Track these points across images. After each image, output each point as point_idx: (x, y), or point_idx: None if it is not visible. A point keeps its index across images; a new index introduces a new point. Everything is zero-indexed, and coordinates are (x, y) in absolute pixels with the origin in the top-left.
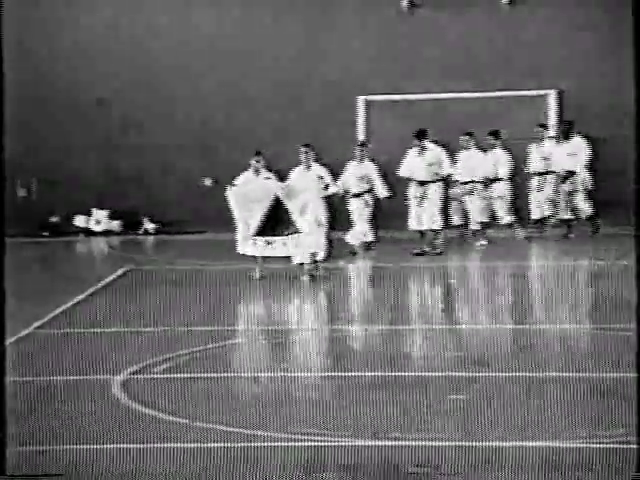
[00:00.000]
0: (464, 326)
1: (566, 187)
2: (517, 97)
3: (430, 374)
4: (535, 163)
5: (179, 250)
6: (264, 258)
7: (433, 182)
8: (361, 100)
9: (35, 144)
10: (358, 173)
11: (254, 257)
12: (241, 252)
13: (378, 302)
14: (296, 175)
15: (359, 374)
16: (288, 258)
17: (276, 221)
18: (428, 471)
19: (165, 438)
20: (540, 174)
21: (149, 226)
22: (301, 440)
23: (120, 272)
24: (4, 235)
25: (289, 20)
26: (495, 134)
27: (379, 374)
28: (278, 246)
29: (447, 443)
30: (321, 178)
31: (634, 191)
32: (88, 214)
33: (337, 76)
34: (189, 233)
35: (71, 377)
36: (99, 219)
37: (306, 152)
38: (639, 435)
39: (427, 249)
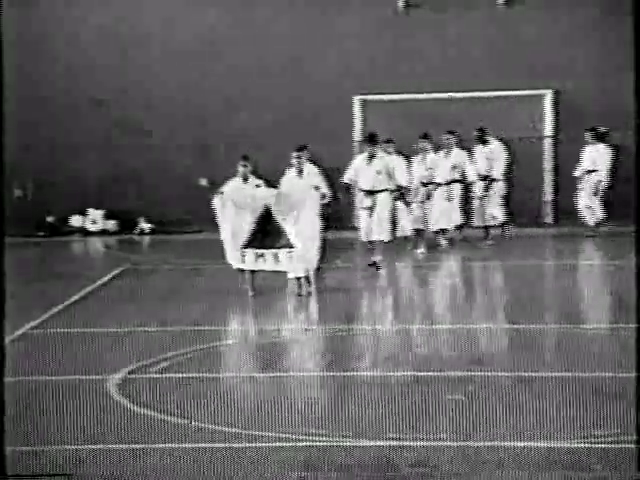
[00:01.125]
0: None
1: (480, 193)
2: (514, 97)
3: (427, 374)
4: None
5: (175, 250)
6: (253, 272)
7: (382, 191)
8: (358, 100)
9: (31, 144)
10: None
11: (241, 271)
12: (236, 267)
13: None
14: (288, 182)
15: (357, 374)
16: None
17: (267, 232)
18: (426, 471)
19: (162, 438)
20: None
21: (145, 226)
22: (298, 440)
23: (116, 272)
24: (4, 235)
25: (287, 20)
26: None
27: (377, 374)
28: (269, 259)
29: (445, 443)
30: (317, 189)
31: (634, 191)
32: (84, 214)
33: (334, 76)
34: (185, 233)
35: (67, 377)
36: (95, 219)
37: (298, 157)
38: (639, 435)
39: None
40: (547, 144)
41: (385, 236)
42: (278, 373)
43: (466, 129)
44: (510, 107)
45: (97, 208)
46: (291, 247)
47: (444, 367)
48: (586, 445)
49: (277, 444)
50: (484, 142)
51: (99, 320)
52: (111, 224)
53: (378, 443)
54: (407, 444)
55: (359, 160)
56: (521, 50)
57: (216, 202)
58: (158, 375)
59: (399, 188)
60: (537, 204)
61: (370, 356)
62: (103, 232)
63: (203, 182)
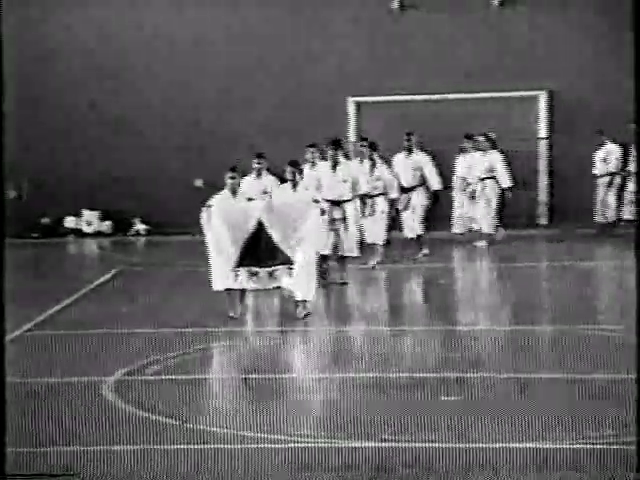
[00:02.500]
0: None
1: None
2: (508, 98)
3: (423, 375)
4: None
5: (170, 251)
6: (243, 293)
7: (348, 201)
8: (352, 101)
9: (26, 145)
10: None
11: (228, 291)
12: (220, 288)
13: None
14: (282, 194)
15: (353, 375)
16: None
17: (261, 249)
18: (421, 472)
19: (157, 440)
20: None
21: (140, 227)
22: (292, 442)
23: (111, 273)
24: (4, 235)
25: (280, 21)
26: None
27: (373, 375)
28: (264, 277)
29: (440, 445)
30: (316, 202)
31: (635, 190)
32: (79, 215)
33: (328, 77)
34: (180, 234)
35: (62, 379)
36: (90, 220)
37: (293, 172)
38: (639, 435)
39: (335, 279)
40: (542, 145)
41: (356, 251)
42: (273, 375)
43: (460, 130)
44: (504, 108)
45: (92, 209)
46: (291, 264)
47: (440, 368)
48: (582, 446)
49: (271, 446)
50: (410, 151)
51: (94, 322)
52: (106, 225)
53: (372, 444)
54: (402, 445)
55: (322, 168)
56: (515, 51)
57: (203, 217)
58: (153, 377)
59: (362, 197)
60: (532, 205)
61: (365, 359)
62: (98, 233)
63: (198, 183)
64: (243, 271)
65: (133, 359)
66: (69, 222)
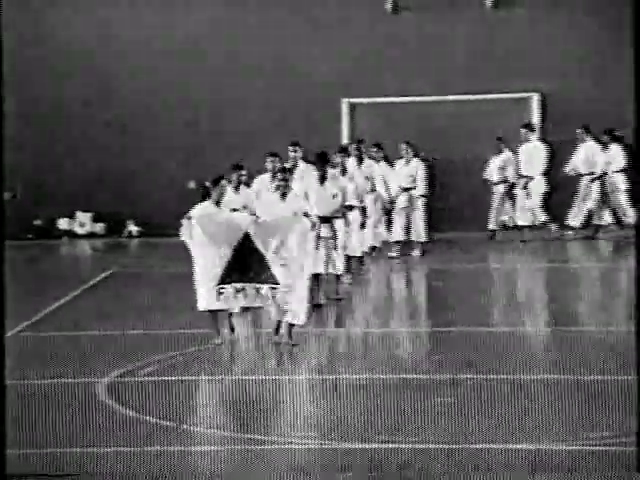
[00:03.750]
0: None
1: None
2: (501, 100)
3: (419, 376)
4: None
5: (163, 253)
6: (230, 315)
7: (335, 218)
8: (346, 102)
9: (19, 147)
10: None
11: (213, 314)
12: (204, 308)
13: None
14: (269, 204)
15: (348, 376)
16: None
17: (247, 265)
18: (414, 474)
19: (150, 441)
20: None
21: (133, 229)
22: (287, 443)
23: (104, 275)
24: (4, 236)
25: (274, 22)
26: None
27: (365, 376)
28: (251, 294)
29: (434, 446)
30: (307, 216)
31: (632, 192)
32: (72, 217)
33: (322, 78)
34: (173, 236)
35: (55, 380)
36: (83, 222)
37: (282, 179)
38: (639, 436)
39: (323, 300)
40: None
41: (341, 269)
42: (266, 376)
43: (454, 131)
44: (498, 110)
45: (85, 211)
46: (275, 283)
47: (434, 370)
48: (578, 448)
49: (266, 447)
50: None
51: (87, 323)
52: (99, 227)
53: (366, 445)
54: (396, 446)
55: (310, 183)
56: (508, 53)
57: (183, 230)
58: (147, 378)
59: (349, 207)
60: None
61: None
62: (91, 235)
63: (192, 185)
64: (228, 288)
65: (126, 361)
66: (62, 224)
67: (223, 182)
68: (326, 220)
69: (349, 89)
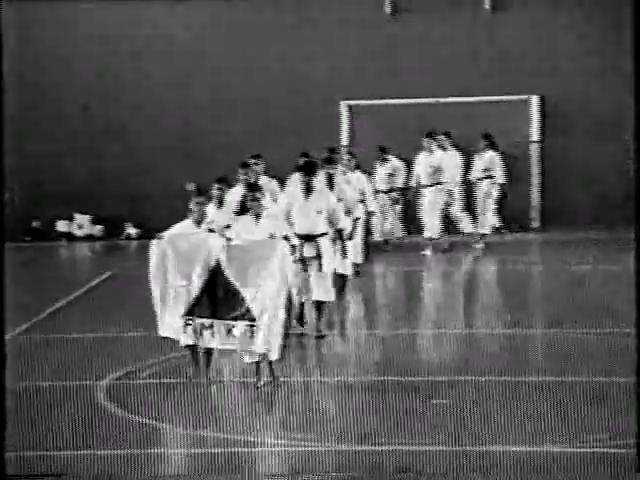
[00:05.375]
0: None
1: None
2: (500, 102)
3: (415, 379)
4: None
5: None
6: (194, 351)
7: (323, 235)
8: (345, 105)
9: (18, 149)
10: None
11: (192, 348)
12: (166, 335)
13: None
14: (242, 226)
15: (344, 379)
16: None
17: (219, 296)
18: (412, 476)
19: (148, 444)
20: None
21: (132, 231)
22: (284, 446)
23: (103, 277)
24: (4, 237)
25: (273, 24)
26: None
27: (365, 379)
28: (220, 333)
29: (432, 448)
30: (287, 239)
31: (634, 193)
32: (70, 219)
33: (321, 81)
34: None
35: (53, 383)
36: (81, 224)
37: (253, 199)
38: (639, 437)
39: (310, 330)
40: (533, 148)
41: (330, 295)
42: (264, 378)
43: (453, 133)
44: (496, 112)
45: (84, 213)
46: (251, 319)
47: (432, 372)
48: (571, 450)
49: (263, 449)
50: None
51: (85, 326)
52: (97, 229)
53: (364, 448)
54: (393, 449)
55: (296, 196)
56: (507, 55)
57: (152, 250)
58: (144, 381)
59: (339, 231)
60: (524, 208)
61: (357, 361)
62: (90, 237)
63: (190, 187)
64: (196, 322)
65: (125, 363)
66: (61, 226)
67: (201, 199)
68: (309, 239)
69: (348, 91)
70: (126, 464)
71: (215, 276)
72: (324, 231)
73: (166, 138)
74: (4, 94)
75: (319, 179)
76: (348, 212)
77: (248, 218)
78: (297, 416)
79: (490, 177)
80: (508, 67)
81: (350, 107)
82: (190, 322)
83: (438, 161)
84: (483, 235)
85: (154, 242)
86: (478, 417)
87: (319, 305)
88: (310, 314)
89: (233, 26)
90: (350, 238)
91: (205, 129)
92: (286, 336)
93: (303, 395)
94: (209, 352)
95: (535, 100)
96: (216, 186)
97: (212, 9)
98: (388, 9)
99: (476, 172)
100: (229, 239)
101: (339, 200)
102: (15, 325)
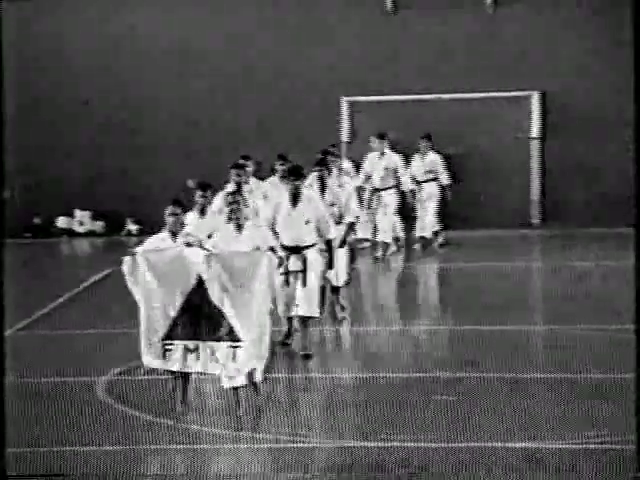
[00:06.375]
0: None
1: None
2: (501, 98)
3: (417, 375)
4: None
5: None
6: (177, 377)
7: (310, 247)
8: (345, 101)
9: (18, 145)
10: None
11: (173, 375)
12: (150, 364)
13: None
14: (223, 238)
15: (346, 375)
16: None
17: (201, 316)
18: (414, 472)
19: (150, 439)
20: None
21: (132, 227)
22: (289, 441)
23: (103, 274)
24: (4, 235)
25: (273, 22)
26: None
27: (363, 375)
28: (204, 356)
29: (435, 444)
30: (273, 251)
31: (634, 191)
32: (71, 215)
33: (321, 77)
34: None
35: (55, 379)
36: (82, 220)
37: (233, 207)
38: (639, 435)
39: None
40: (534, 145)
41: (315, 311)
42: (265, 375)
43: (453, 130)
44: (497, 108)
45: (84, 209)
46: (235, 340)
47: (435, 368)
48: (572, 446)
49: (265, 445)
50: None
51: (87, 322)
52: (98, 225)
53: (367, 444)
54: (397, 445)
55: (281, 206)
56: (508, 51)
57: (125, 267)
58: (145, 377)
59: (328, 242)
60: (525, 205)
61: (356, 356)
62: (90, 233)
63: (191, 183)
64: (177, 346)
65: (126, 359)
66: (61, 222)
67: (176, 210)
68: (295, 250)
69: (349, 88)
70: (128, 460)
71: (196, 294)
72: (312, 242)
73: (167, 135)
74: (4, 92)
75: (309, 182)
76: (341, 217)
77: (229, 228)
78: (298, 413)
79: (435, 179)
80: (509, 64)
81: (351, 103)
82: (170, 347)
83: (393, 164)
84: (422, 237)
85: (126, 259)
86: (478, 413)
87: (304, 321)
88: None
89: (234, 26)
90: (342, 245)
91: (205, 125)
92: (272, 355)
93: (304, 391)
94: (186, 376)
95: (536, 97)
96: (199, 193)
97: (213, 8)
98: (389, 6)
99: (418, 174)
100: (209, 251)
101: (332, 205)
102: (16, 321)
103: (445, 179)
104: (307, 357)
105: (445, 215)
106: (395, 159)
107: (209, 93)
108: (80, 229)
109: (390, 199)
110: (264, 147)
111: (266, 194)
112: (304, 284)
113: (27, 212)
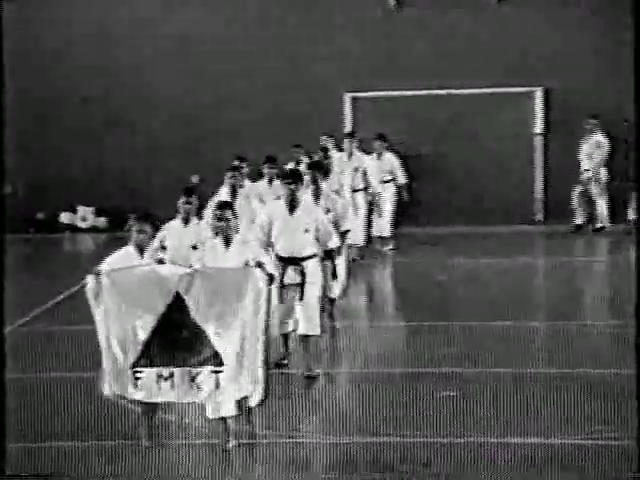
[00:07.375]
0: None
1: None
2: (504, 95)
3: (420, 370)
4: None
5: None
6: (149, 408)
7: (309, 258)
8: (348, 97)
9: (21, 141)
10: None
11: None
12: (110, 394)
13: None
14: (209, 253)
15: (347, 371)
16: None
17: (177, 340)
18: (417, 468)
19: (154, 435)
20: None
21: None
22: (288, 438)
23: None
24: (4, 233)
25: (275, 18)
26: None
27: (368, 370)
28: (181, 383)
29: (437, 440)
30: (259, 266)
31: (635, 191)
32: (74, 211)
33: (324, 74)
34: None
35: (56, 374)
36: (85, 216)
37: (220, 219)
38: (639, 434)
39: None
40: (537, 141)
41: (316, 329)
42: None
43: (456, 127)
44: (500, 104)
45: (87, 205)
46: (218, 364)
47: (435, 364)
48: (575, 442)
49: (268, 442)
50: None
51: (89, 318)
52: (101, 221)
53: (369, 440)
54: (397, 440)
55: (276, 213)
56: (512, 48)
57: (89, 288)
58: None
59: (328, 252)
60: (528, 202)
61: (358, 353)
62: (93, 229)
63: (194, 179)
64: (148, 373)
65: None
66: (64, 218)
67: (144, 227)
68: (293, 262)
69: (352, 84)
70: (133, 456)
71: (174, 313)
72: (311, 253)
73: (170, 131)
74: (5, 90)
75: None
76: (336, 224)
77: (216, 242)
78: (300, 409)
79: (394, 179)
80: (512, 60)
81: (354, 99)
82: (140, 374)
83: (362, 165)
84: (382, 238)
85: (89, 278)
86: (480, 409)
87: (304, 340)
88: (297, 350)
89: (236, 22)
90: (338, 253)
91: (208, 122)
92: (267, 379)
93: (305, 388)
94: (153, 409)
95: (539, 93)
96: (183, 199)
97: (214, 6)
98: (392, 2)
99: (378, 175)
100: (191, 266)
101: (327, 211)
102: (18, 317)
103: (402, 179)
104: (312, 378)
105: (400, 215)
106: (364, 160)
107: (212, 90)
108: (83, 225)
109: (361, 201)
110: (267, 143)
111: (261, 197)
112: (302, 298)
113: (31, 207)
